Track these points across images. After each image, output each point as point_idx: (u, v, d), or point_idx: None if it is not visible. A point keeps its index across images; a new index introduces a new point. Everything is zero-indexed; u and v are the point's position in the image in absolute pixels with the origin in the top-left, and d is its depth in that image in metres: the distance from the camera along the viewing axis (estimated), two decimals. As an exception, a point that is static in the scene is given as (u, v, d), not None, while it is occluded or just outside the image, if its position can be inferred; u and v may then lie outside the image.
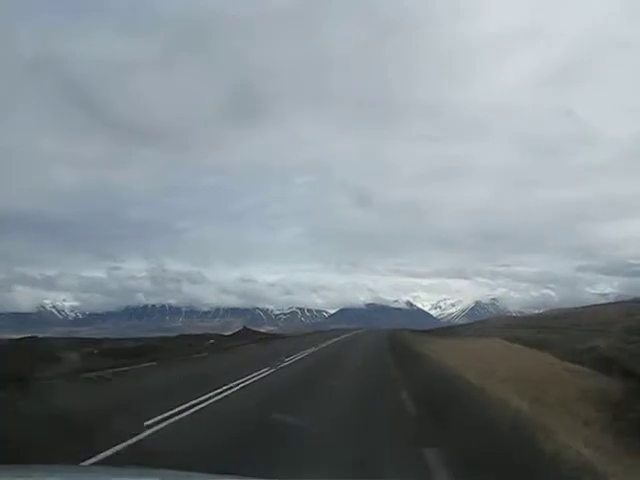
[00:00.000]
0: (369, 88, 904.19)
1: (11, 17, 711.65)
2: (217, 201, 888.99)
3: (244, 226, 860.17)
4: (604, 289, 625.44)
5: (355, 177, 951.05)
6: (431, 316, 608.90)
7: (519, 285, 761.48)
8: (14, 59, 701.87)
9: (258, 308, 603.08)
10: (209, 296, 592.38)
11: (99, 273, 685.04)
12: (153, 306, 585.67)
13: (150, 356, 23.09)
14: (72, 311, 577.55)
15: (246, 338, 48.61)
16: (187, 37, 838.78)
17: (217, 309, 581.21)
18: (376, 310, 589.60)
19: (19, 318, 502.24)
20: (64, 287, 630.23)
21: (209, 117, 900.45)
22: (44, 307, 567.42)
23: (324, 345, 38.38)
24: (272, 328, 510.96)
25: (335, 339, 50.82)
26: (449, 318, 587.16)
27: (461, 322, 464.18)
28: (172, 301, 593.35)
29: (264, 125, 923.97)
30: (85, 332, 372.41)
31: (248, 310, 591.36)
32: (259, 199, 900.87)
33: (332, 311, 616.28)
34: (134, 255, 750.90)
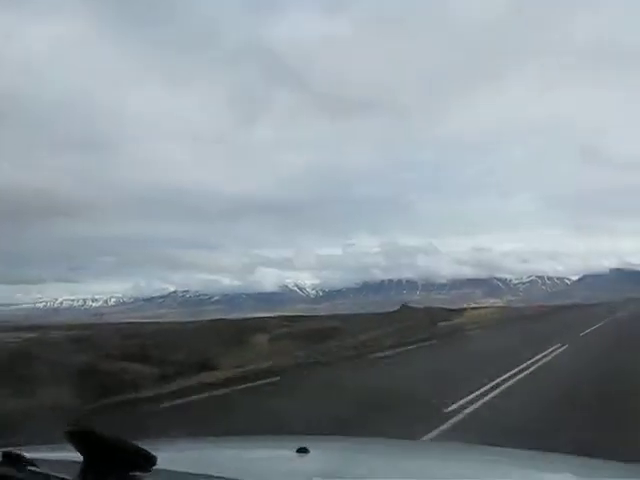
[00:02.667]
0: (591, 36, 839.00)
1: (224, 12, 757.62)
2: (441, 172, 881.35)
3: (471, 196, 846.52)
4: None
5: (585, 135, 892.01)
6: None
7: None
8: (221, 50, 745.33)
9: (496, 278, 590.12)
10: (444, 268, 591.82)
11: (335, 251, 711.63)
12: (390, 281, 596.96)
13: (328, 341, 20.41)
14: (313, 289, 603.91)
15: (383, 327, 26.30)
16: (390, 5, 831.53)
17: (454, 281, 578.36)
18: (624, 276, 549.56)
19: (265, 298, 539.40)
20: (303, 266, 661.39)
21: (423, 87, 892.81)
22: (287, 286, 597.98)
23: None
24: (512, 298, 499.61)
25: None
26: None
27: None
28: (408, 275, 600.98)
29: (482, 91, 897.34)
30: (323, 309, 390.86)
31: (485, 280, 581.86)
32: (484, 167, 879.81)
33: (574, 278, 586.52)
34: (366, 231, 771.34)
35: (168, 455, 1.73)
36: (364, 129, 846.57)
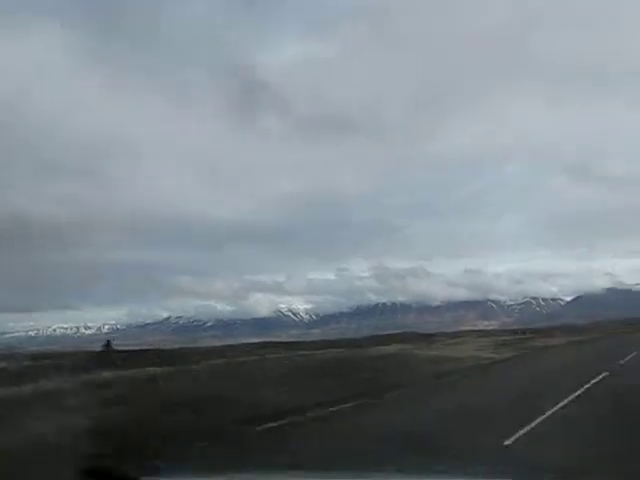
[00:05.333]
0: (578, 53, 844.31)
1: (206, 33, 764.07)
2: (430, 195, 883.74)
3: (462, 217, 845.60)
4: None
5: (575, 155, 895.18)
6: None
7: None
8: (203, 75, 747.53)
9: (490, 300, 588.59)
10: (437, 291, 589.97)
11: (328, 275, 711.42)
12: (384, 304, 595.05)
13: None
14: (307, 314, 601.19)
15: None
16: (368, 28, 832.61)
17: (448, 303, 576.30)
18: (617, 295, 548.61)
19: (259, 323, 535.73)
20: (297, 291, 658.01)
21: (411, 109, 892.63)
22: (281, 311, 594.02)
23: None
24: (506, 319, 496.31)
25: None
26: None
27: None
28: (401, 298, 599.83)
29: (472, 111, 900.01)
30: (317, 334, 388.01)
31: (479, 302, 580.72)
32: (474, 189, 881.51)
33: (568, 299, 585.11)
34: (358, 255, 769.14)
35: None
36: (353, 152, 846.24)
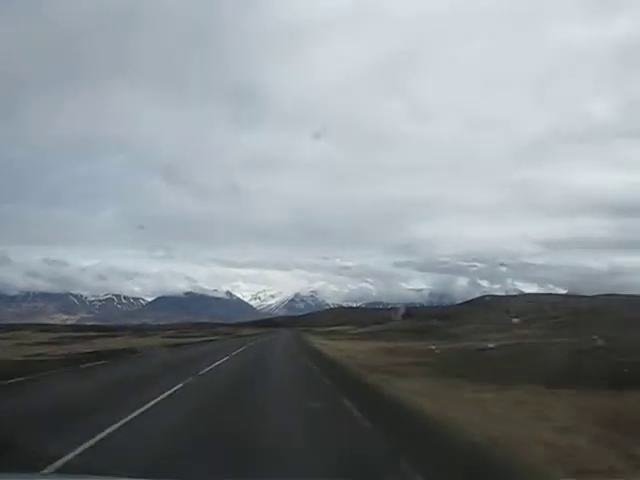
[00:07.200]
0: (178, 64, 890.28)
1: None
2: (19, 175, 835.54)
3: (51, 205, 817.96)
4: (418, 284, 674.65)
5: (168, 160, 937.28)
6: (251, 307, 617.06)
7: (337, 278, 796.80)
8: None
9: (71, 294, 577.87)
10: (16, 279, 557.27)
11: None
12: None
13: None
14: None
15: None
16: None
17: (27, 293, 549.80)
18: (195, 299, 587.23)
19: None
20: None
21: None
22: None
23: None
24: (86, 315, 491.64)
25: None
26: (269, 309, 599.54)
27: (281, 313, 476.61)
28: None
29: (71, 97, 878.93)
30: None
31: (60, 295, 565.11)
32: (68, 177, 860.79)
33: (150, 299, 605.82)
34: None
35: None
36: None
